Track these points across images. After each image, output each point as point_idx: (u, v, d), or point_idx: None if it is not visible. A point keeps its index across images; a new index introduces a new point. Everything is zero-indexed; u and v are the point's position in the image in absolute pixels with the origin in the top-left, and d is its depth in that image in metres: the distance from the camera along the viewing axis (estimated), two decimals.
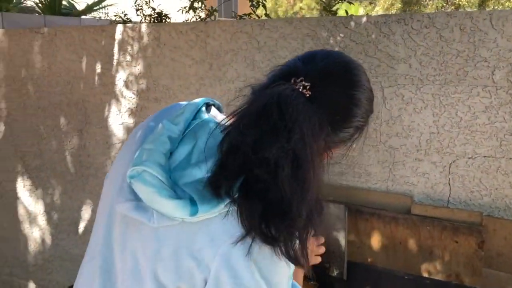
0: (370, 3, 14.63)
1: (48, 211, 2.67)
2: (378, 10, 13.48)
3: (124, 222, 0.83)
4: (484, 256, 1.50)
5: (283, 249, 0.74)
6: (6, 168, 2.76)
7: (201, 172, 0.77)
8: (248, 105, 0.78)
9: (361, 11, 13.97)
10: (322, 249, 1.24)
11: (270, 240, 0.73)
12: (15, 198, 2.77)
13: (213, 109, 0.95)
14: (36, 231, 2.75)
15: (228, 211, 0.74)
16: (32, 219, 2.74)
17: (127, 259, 0.82)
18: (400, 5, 12.51)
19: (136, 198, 0.77)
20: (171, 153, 0.82)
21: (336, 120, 0.82)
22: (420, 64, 1.57)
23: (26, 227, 2.78)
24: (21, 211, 2.78)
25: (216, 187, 0.74)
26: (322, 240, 1.25)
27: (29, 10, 7.14)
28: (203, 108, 0.92)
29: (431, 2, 11.87)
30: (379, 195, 1.68)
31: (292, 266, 0.80)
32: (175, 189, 0.76)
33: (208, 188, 0.74)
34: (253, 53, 1.86)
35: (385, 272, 1.62)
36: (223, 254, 0.73)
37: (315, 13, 15.67)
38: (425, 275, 1.58)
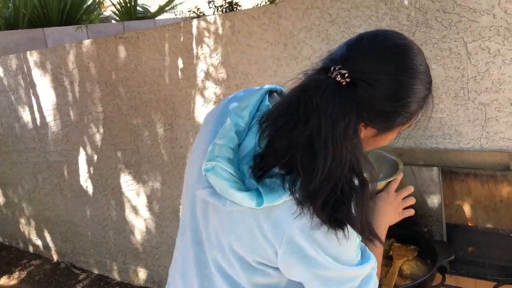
0: None
1: (150, 202, 2.89)
2: None
3: (204, 203, 0.95)
4: None
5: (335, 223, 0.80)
6: (109, 166, 3.01)
7: None
8: (285, 97, 0.87)
9: None
10: (412, 200, 1.24)
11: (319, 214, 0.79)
12: (120, 193, 3.03)
13: (275, 96, 1.01)
14: (142, 221, 2.98)
15: (290, 199, 0.81)
16: (137, 211, 2.98)
17: (211, 232, 0.95)
18: None
19: (212, 185, 0.87)
20: (239, 145, 0.91)
21: (382, 107, 0.83)
22: (505, 12, 1.49)
23: (132, 218, 3.03)
24: (126, 204, 3.03)
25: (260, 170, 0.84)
26: (409, 190, 1.24)
27: (107, 19, 7.60)
28: (267, 97, 0.99)
29: None
30: (473, 155, 1.63)
31: (358, 238, 0.86)
32: (244, 180, 0.85)
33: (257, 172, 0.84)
34: (326, 27, 1.86)
35: (487, 231, 1.58)
36: (287, 237, 0.82)
37: None
38: None
